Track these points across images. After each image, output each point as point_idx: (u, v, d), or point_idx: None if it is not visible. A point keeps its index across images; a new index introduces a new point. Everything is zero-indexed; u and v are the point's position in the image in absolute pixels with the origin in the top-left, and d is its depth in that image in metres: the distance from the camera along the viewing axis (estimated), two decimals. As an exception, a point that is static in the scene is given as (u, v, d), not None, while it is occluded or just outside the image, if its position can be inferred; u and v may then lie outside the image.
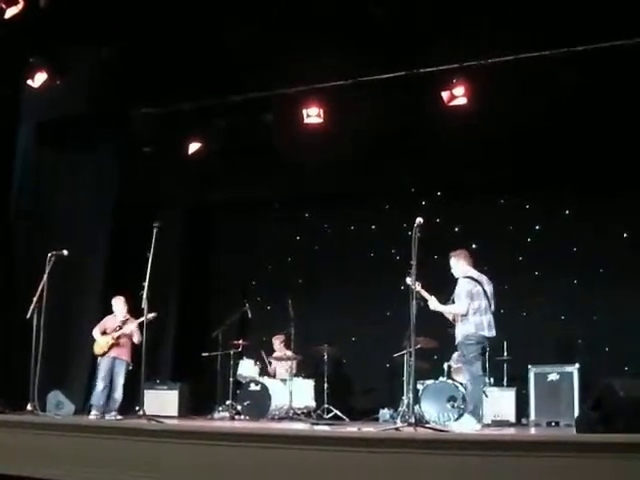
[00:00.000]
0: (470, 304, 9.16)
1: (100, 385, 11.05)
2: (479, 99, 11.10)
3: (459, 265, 9.52)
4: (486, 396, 10.06)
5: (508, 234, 12.69)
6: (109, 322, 11.39)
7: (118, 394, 11.01)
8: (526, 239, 12.74)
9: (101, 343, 11.23)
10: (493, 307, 9.35)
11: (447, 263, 9.64)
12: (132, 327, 11.13)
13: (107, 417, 10.59)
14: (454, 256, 9.58)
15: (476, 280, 9.31)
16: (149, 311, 9.72)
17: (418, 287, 9.05)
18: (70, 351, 12.11)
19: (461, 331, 9.24)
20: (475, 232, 12.79)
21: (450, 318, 9.54)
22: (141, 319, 10.57)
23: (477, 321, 9.15)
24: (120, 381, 11.07)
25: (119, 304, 11.42)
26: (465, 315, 9.17)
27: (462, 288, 9.27)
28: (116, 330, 11.22)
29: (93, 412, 10.90)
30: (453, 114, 11.21)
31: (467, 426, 8.90)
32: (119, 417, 10.49)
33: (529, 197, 12.85)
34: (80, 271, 12.25)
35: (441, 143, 12.09)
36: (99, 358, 11.22)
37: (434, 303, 9.42)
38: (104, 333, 11.27)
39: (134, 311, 10.91)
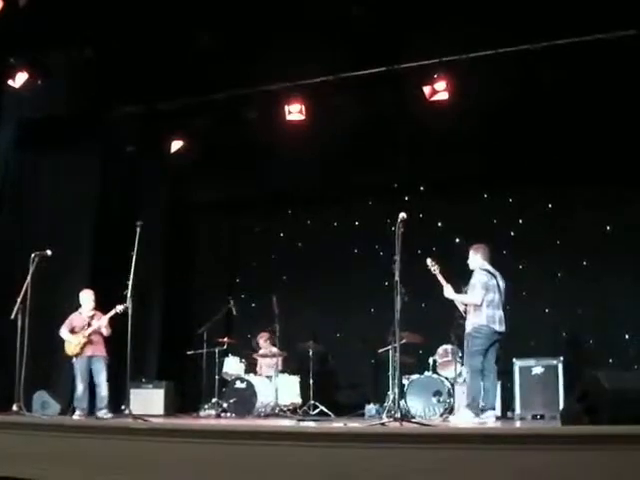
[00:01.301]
0: (485, 295, 9.21)
1: (80, 387, 10.83)
2: (461, 94, 11.12)
3: (476, 258, 9.62)
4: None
5: (491, 228, 12.70)
6: (76, 320, 11.09)
7: (103, 390, 10.77)
8: (509, 233, 12.77)
9: (73, 343, 10.93)
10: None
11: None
12: (103, 322, 10.86)
13: (98, 415, 10.50)
14: (473, 249, 9.68)
15: (492, 274, 9.40)
16: (127, 309, 9.66)
17: (436, 271, 9.21)
18: (55, 351, 11.96)
19: (472, 322, 9.30)
20: (458, 227, 12.82)
21: (461, 309, 9.60)
22: (111, 312, 10.58)
23: (489, 314, 9.22)
24: (103, 378, 10.82)
25: (87, 298, 11.14)
26: (479, 306, 9.23)
27: (478, 279, 9.36)
28: (85, 328, 10.95)
29: (77, 414, 10.73)
30: (435, 109, 11.22)
31: (464, 420, 8.93)
32: (110, 415, 10.44)
33: (512, 191, 12.87)
34: (64, 271, 12.18)
35: (424, 138, 12.14)
36: (74, 359, 10.93)
37: (449, 291, 9.52)
38: (73, 332, 10.99)
39: (104, 306, 10.88)
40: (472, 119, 11.52)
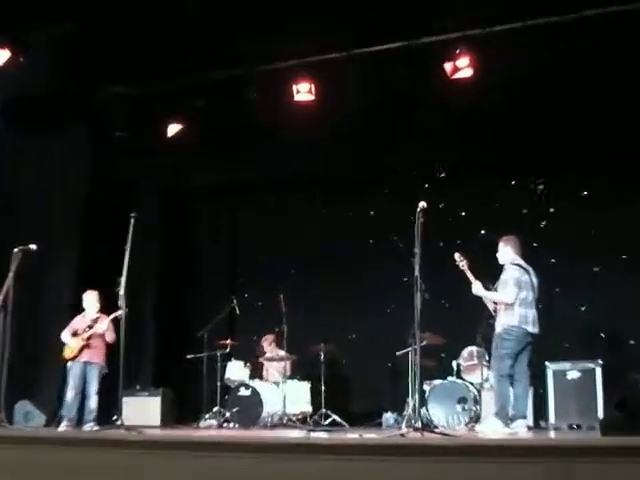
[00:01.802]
0: (518, 293, 9.16)
1: (70, 394, 10.88)
2: (485, 71, 11.07)
3: (507, 251, 9.58)
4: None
5: (520, 218, 12.63)
6: (79, 322, 11.19)
7: (93, 402, 10.82)
8: (540, 223, 12.70)
9: (71, 346, 11.01)
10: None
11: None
12: (104, 325, 10.91)
13: (84, 429, 10.49)
14: (503, 241, 9.65)
15: (525, 269, 9.35)
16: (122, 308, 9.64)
17: (465, 266, 9.17)
18: (40, 356, 12.03)
19: (502, 322, 9.26)
20: (483, 217, 12.78)
21: (491, 308, 9.58)
22: (113, 315, 10.55)
23: (522, 313, 9.18)
24: (94, 388, 10.88)
25: (91, 299, 11.22)
26: (511, 305, 9.18)
27: (510, 275, 9.31)
28: (86, 330, 11.01)
29: (64, 424, 10.75)
30: (457, 88, 11.17)
31: (492, 429, 8.89)
32: (96, 428, 10.42)
33: (543, 177, 12.82)
34: (50, 267, 12.20)
35: (445, 120, 12.08)
36: (69, 363, 11.01)
37: (477, 288, 9.47)
38: (75, 335, 11.06)
39: (108, 308, 10.80)
40: (498, 98, 11.45)
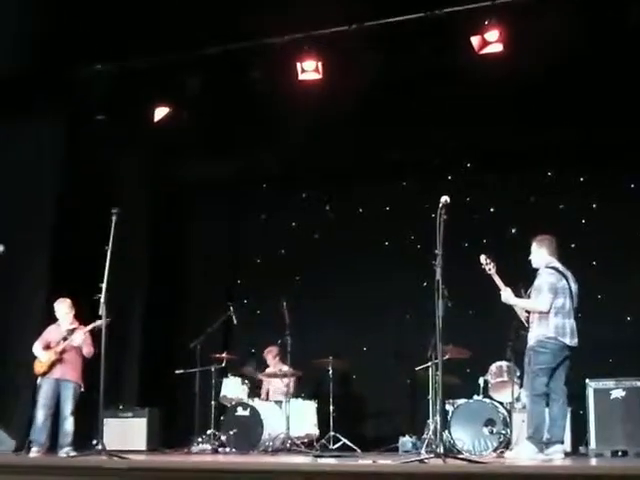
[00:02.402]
0: (553, 300, 9.15)
1: (40, 415, 10.81)
2: (518, 46, 11.03)
3: (541, 253, 9.52)
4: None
5: (556, 215, 12.62)
6: (52, 333, 11.13)
7: (68, 425, 10.75)
8: (581, 220, 12.69)
9: (42, 360, 10.95)
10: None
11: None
12: (79, 337, 10.84)
13: (60, 454, 10.43)
14: (537, 242, 9.58)
15: (561, 273, 9.31)
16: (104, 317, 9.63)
17: (492, 270, 9.15)
18: (8, 372, 12.04)
19: (536, 334, 9.20)
20: (515, 213, 12.76)
21: (523, 317, 9.54)
22: (91, 326, 10.55)
23: (558, 323, 9.13)
24: (68, 409, 10.81)
25: (63, 308, 11.17)
26: (546, 314, 9.15)
27: (544, 280, 9.26)
28: (60, 343, 10.93)
29: (34, 450, 10.68)
30: (486, 65, 11.16)
31: (526, 455, 8.87)
32: (73, 454, 10.36)
33: (584, 167, 12.80)
34: (20, 271, 12.21)
35: (471, 102, 12.06)
36: (38, 380, 10.94)
37: (507, 295, 9.41)
38: (47, 348, 11.00)
39: (88, 318, 10.77)
40: (533, 76, 11.43)
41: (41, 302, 12.27)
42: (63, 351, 10.90)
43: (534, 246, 9.57)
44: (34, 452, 10.62)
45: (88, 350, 10.87)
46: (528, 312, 9.43)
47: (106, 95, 12.71)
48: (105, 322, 9.90)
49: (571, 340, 9.15)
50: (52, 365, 10.90)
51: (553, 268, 9.31)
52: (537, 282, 9.31)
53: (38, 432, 10.78)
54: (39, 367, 10.97)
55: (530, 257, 9.58)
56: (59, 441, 10.73)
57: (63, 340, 10.94)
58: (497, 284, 9.40)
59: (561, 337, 9.09)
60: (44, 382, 10.92)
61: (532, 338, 9.23)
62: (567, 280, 9.28)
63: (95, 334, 10.53)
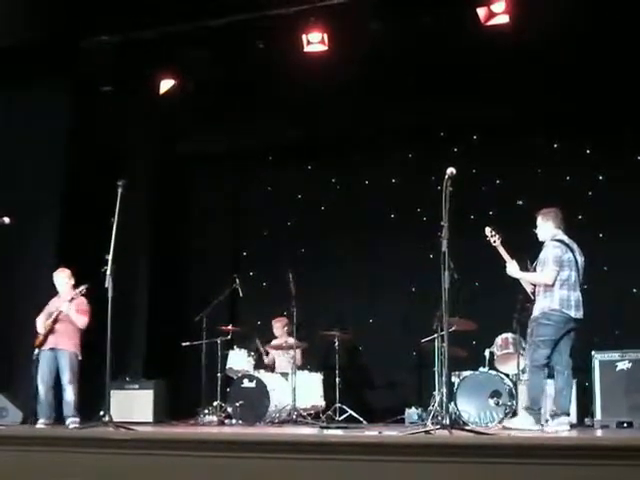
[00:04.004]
0: (559, 273, 9.17)
1: (42, 389, 10.84)
2: (525, 16, 10.99)
3: (547, 226, 9.50)
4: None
5: (563, 187, 12.61)
6: (53, 305, 11.13)
7: (69, 394, 10.78)
8: (587, 192, 12.67)
9: (39, 331, 10.98)
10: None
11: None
12: (65, 307, 10.83)
13: (68, 425, 10.47)
14: (542, 215, 9.56)
15: (567, 245, 9.31)
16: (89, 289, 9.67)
17: (497, 242, 9.17)
18: (14, 344, 12.05)
19: (541, 306, 9.22)
20: (522, 185, 12.74)
21: (529, 290, 9.53)
22: (76, 291, 10.65)
23: (563, 296, 9.14)
24: (67, 377, 10.81)
25: (62, 278, 11.16)
26: (551, 286, 9.17)
27: (550, 252, 9.25)
28: (53, 313, 10.94)
29: (41, 421, 10.74)
30: (492, 36, 11.13)
31: (523, 425, 8.91)
32: (77, 424, 10.42)
33: (591, 139, 12.75)
34: (25, 243, 12.22)
35: (478, 73, 12.04)
36: (35, 352, 10.95)
37: (513, 267, 9.43)
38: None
39: (95, 291, 10.78)
40: (541, 47, 11.38)
41: (46, 274, 12.25)
42: (56, 321, 10.88)
43: (539, 219, 9.55)
44: (41, 424, 10.66)
45: (82, 321, 10.88)
46: (534, 285, 9.45)
47: (112, 67, 12.71)
48: (83, 290, 10.02)
49: (576, 312, 9.16)
50: (47, 336, 10.91)
51: (559, 241, 9.31)
52: (542, 255, 9.31)
53: (42, 406, 10.84)
54: (37, 338, 10.99)
55: (536, 230, 9.59)
56: (63, 412, 10.79)
57: (55, 310, 10.97)
58: (503, 256, 9.42)
59: (566, 309, 9.10)
60: (41, 355, 10.94)
61: (537, 310, 9.24)
62: (573, 252, 9.28)
63: (94, 303, 10.55)
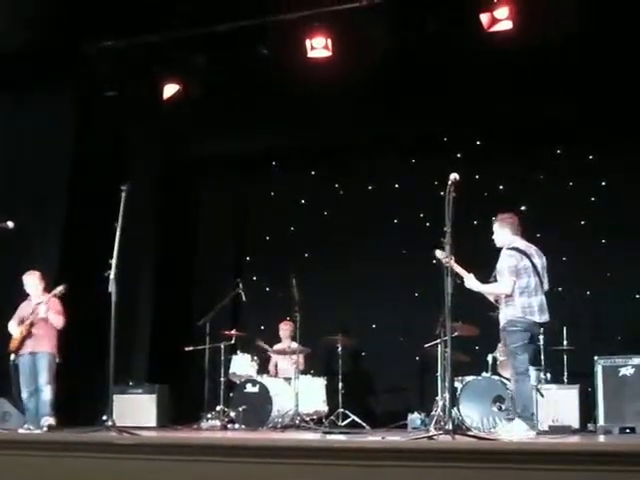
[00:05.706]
0: (516, 282, 9.13)
1: (25, 394, 10.88)
2: (529, 23, 10.99)
3: (504, 233, 9.46)
4: (542, 395, 10.07)
5: (567, 192, 12.61)
6: (24, 309, 11.12)
7: (46, 394, 10.78)
8: (590, 198, 12.66)
9: (14, 336, 10.98)
10: (546, 285, 9.31)
11: (490, 230, 9.59)
12: (43, 309, 10.80)
13: (41, 424, 10.53)
14: (498, 221, 9.52)
15: (522, 252, 9.24)
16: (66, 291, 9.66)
17: (451, 261, 9.03)
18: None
19: (505, 315, 9.21)
20: (525, 190, 12.75)
21: (492, 300, 9.53)
22: (51, 294, 10.65)
23: (524, 303, 9.11)
24: (44, 379, 10.80)
25: (31, 281, 11.13)
26: (510, 296, 9.15)
27: (504, 262, 9.22)
28: (28, 318, 10.91)
29: (25, 426, 10.71)
30: (495, 42, 11.12)
31: (517, 432, 8.89)
32: (52, 423, 10.49)
33: (594, 145, 12.76)
34: (29, 247, 12.22)
35: (481, 78, 12.03)
36: (12, 357, 10.95)
37: (471, 281, 9.37)
38: (22, 324, 10.98)
39: (81, 291, 10.85)
40: (544, 53, 11.38)
41: (50, 279, 12.28)
42: (31, 325, 10.88)
43: (496, 226, 9.50)
44: (25, 429, 10.59)
45: (58, 322, 10.89)
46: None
47: (115, 72, 12.72)
48: (62, 290, 10.02)
49: (540, 317, 9.14)
50: (23, 340, 10.90)
51: (513, 249, 9.25)
52: (498, 265, 9.27)
53: (28, 411, 10.87)
54: (12, 343, 10.97)
55: (493, 236, 9.56)
56: (39, 411, 10.77)
57: (30, 314, 10.93)
58: (459, 272, 9.30)
59: (529, 316, 9.08)
60: (20, 360, 10.94)
61: (502, 319, 9.22)
62: (530, 258, 9.22)
63: (88, 305, 10.56)
